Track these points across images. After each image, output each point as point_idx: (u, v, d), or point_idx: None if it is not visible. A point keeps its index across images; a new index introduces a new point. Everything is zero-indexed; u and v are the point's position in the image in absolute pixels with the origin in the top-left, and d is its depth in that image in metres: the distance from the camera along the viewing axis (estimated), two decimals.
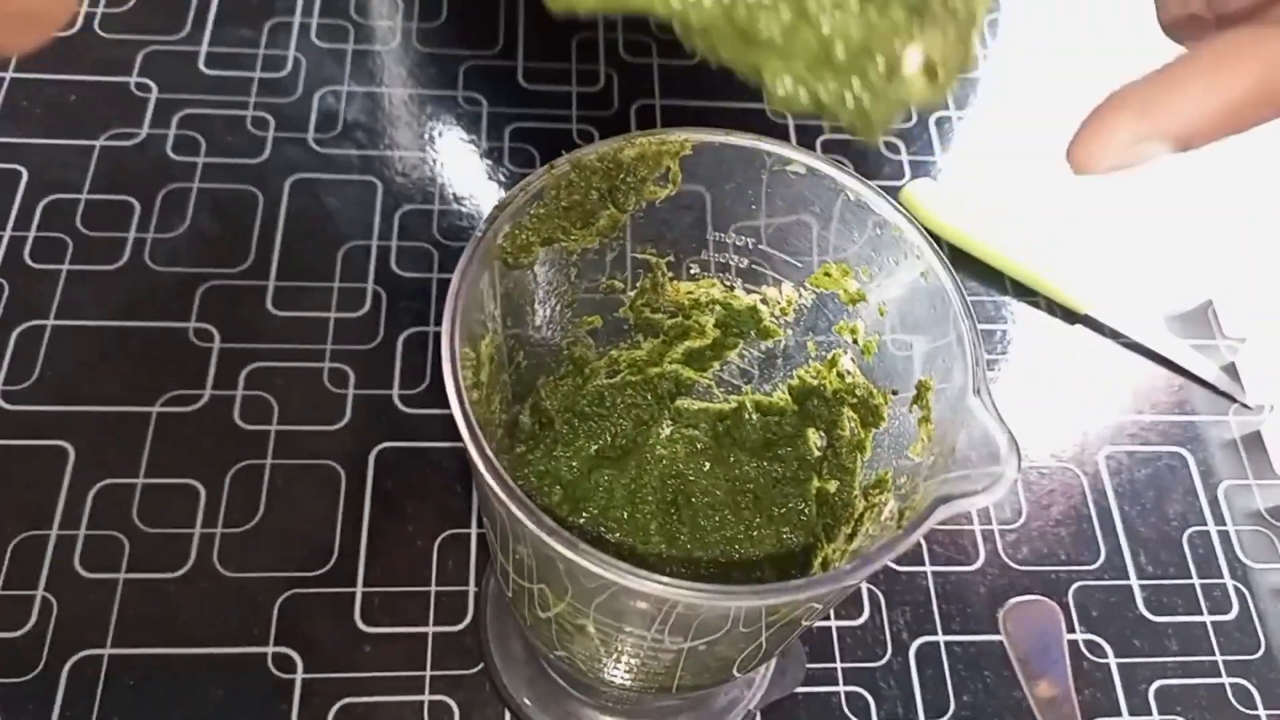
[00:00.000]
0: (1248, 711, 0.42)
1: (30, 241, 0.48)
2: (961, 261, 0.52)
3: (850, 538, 0.29)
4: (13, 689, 0.38)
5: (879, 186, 0.28)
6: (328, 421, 0.45)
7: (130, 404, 0.44)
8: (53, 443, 0.43)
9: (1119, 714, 0.41)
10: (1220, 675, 0.43)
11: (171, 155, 0.51)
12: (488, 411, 0.28)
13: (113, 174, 0.50)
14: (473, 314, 0.25)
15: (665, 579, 0.21)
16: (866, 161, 0.55)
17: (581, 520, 0.32)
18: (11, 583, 0.40)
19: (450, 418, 0.46)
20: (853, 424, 0.30)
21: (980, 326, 0.49)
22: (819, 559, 0.31)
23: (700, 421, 0.34)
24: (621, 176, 0.27)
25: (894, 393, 0.28)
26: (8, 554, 0.41)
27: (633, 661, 0.30)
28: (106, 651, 0.39)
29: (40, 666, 0.39)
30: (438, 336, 0.48)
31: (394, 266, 0.49)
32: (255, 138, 0.52)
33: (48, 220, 0.49)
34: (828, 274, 0.29)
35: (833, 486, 0.32)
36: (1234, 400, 0.50)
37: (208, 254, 0.49)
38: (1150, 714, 0.42)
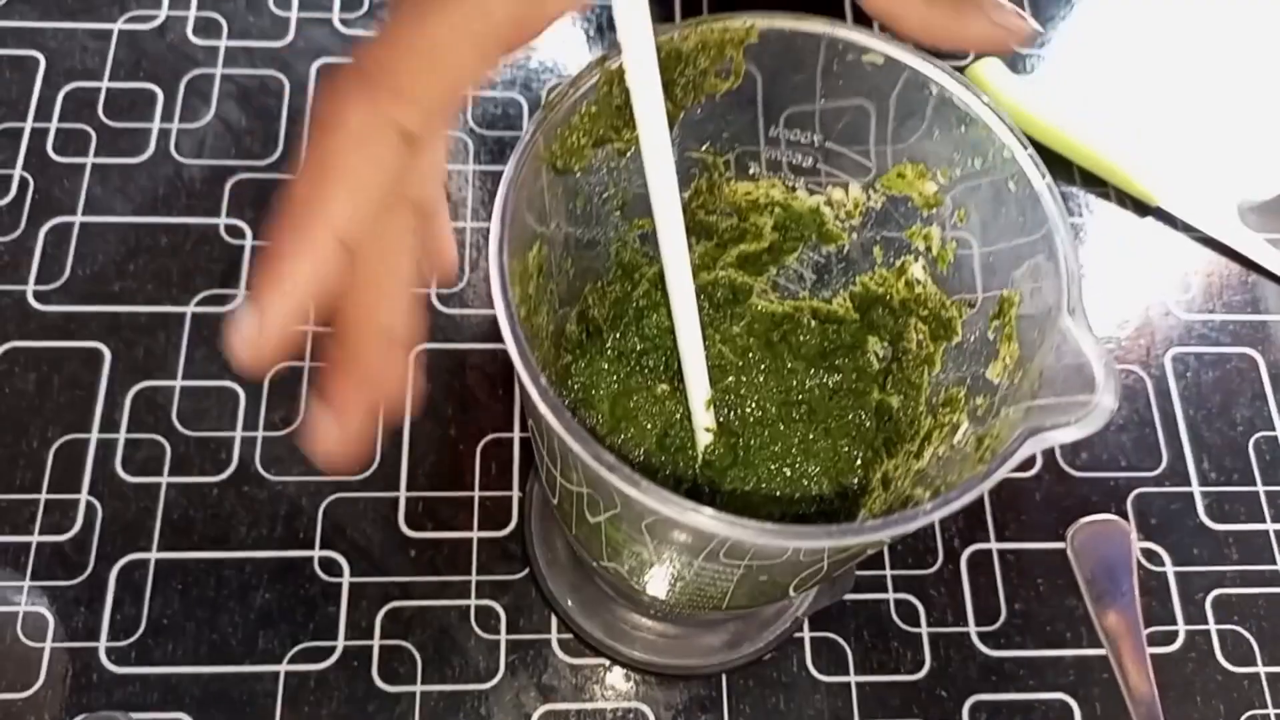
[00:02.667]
0: None
1: (53, 133, 0.46)
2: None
3: (915, 455, 0.28)
4: (63, 592, 0.38)
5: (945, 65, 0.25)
6: None
7: (164, 304, 0.43)
8: (88, 344, 0.42)
9: (1174, 622, 0.41)
10: None
11: (193, 39, 0.49)
12: (535, 325, 0.26)
13: (133, 60, 0.48)
14: (520, 224, 0.23)
15: (727, 517, 0.20)
16: None
17: (626, 436, 0.31)
18: (55, 486, 0.40)
19: (490, 319, 0.44)
20: (921, 336, 0.29)
21: None
22: (878, 474, 0.30)
23: (754, 327, 0.32)
24: (680, 69, 0.24)
25: (970, 306, 0.26)
26: (50, 458, 0.40)
27: (683, 580, 0.29)
28: (153, 555, 0.39)
29: (89, 570, 0.39)
30: (476, 232, 0.46)
31: None
32: (278, 19, 0.49)
33: (69, 111, 0.47)
34: (901, 175, 0.27)
35: (895, 401, 0.30)
36: None
37: (235, 145, 0.47)
38: (1206, 623, 0.41)
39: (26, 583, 0.39)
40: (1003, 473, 0.20)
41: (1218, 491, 0.43)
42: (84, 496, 0.40)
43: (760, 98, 0.26)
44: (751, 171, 0.28)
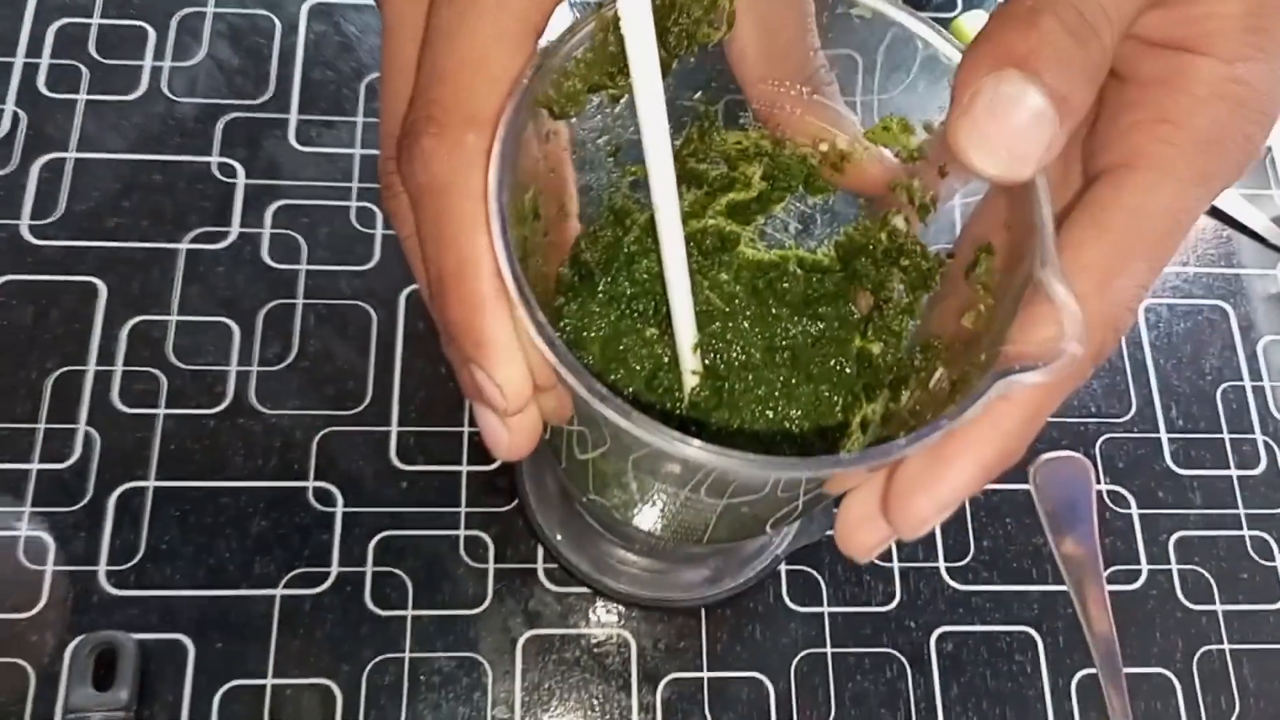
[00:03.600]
0: (1265, 563, 0.43)
1: (44, 69, 0.46)
2: None
3: (893, 399, 0.29)
4: (63, 518, 0.40)
5: (929, 18, 0.26)
6: (357, 262, 0.44)
7: (159, 240, 0.44)
8: (83, 279, 0.43)
9: (1138, 562, 0.42)
10: (1241, 528, 0.43)
11: None
12: (528, 267, 0.27)
13: None
14: (516, 168, 0.24)
15: (714, 448, 0.21)
16: None
17: (616, 377, 0.32)
18: (53, 416, 0.41)
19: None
20: (902, 286, 0.30)
21: None
22: (857, 418, 0.31)
23: (741, 274, 0.33)
24: (674, 17, 0.25)
25: (949, 256, 0.27)
26: (47, 388, 0.41)
27: (667, 513, 0.30)
28: (151, 484, 0.40)
29: (88, 497, 0.40)
30: None
31: None
32: None
33: (60, 47, 0.47)
34: (886, 128, 0.27)
35: (876, 348, 0.31)
36: None
37: (227, 85, 0.47)
38: (1168, 563, 0.43)
39: (27, 508, 0.40)
40: (974, 412, 0.21)
41: (1184, 438, 0.45)
42: (82, 427, 0.41)
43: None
44: (741, 121, 0.29)
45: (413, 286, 0.44)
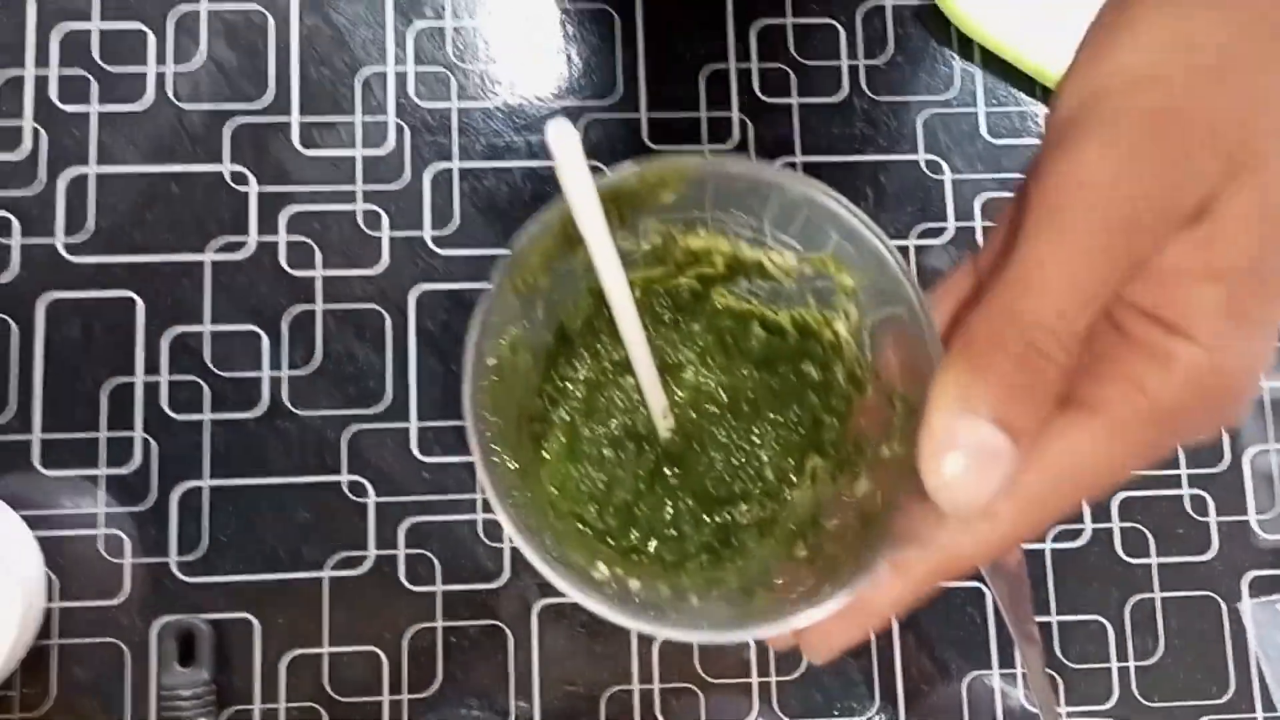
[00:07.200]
0: (1199, 519, 0.48)
1: (54, 81, 0.48)
2: (994, 66, 0.50)
3: (836, 469, 0.33)
4: (136, 515, 0.46)
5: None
6: (367, 265, 0.48)
7: (183, 252, 0.47)
8: (121, 293, 0.47)
9: (1082, 522, 0.47)
10: (1182, 488, 0.48)
11: None
12: (517, 362, 0.31)
13: None
14: (490, 341, 0.27)
15: (649, 626, 0.26)
16: None
17: (610, 430, 0.36)
18: (113, 424, 0.46)
19: (482, 259, 0.48)
20: (842, 379, 0.33)
21: (1007, 141, 0.49)
22: (809, 468, 0.35)
23: (713, 323, 0.37)
24: (623, 201, 0.27)
25: (877, 376, 0.31)
26: (104, 399, 0.46)
27: None
28: (206, 483, 0.46)
29: (153, 497, 0.46)
30: (464, 173, 0.49)
31: (413, 95, 0.49)
32: None
33: (67, 56, 0.48)
34: (824, 263, 0.30)
35: (825, 417, 0.35)
36: None
37: (229, 87, 0.49)
38: (1110, 521, 0.48)
39: (101, 510, 0.46)
40: (861, 584, 0.26)
41: None
42: (138, 434, 0.46)
43: (709, 199, 0.29)
44: (699, 233, 0.32)
45: (421, 287, 0.48)
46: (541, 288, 0.29)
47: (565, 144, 0.24)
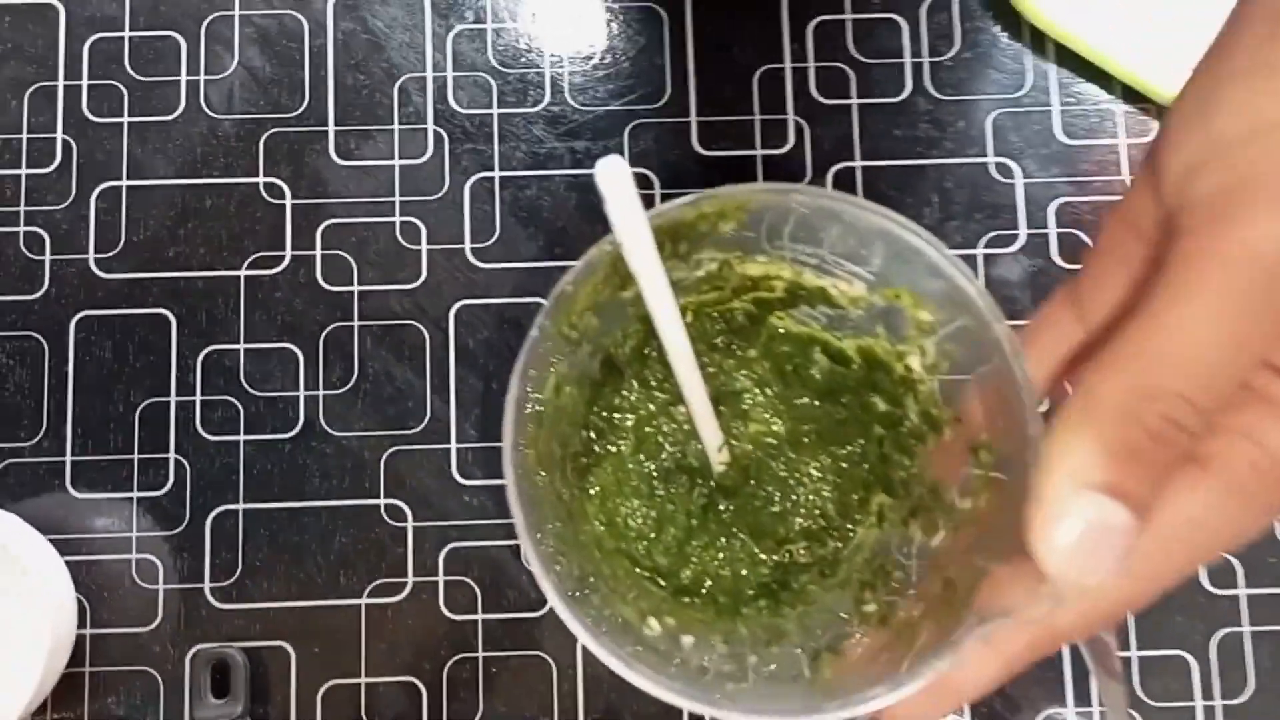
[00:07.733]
0: None
1: (85, 92, 0.47)
2: (1069, 61, 0.47)
3: (910, 513, 0.31)
4: (170, 539, 0.44)
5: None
6: (406, 280, 0.46)
7: (218, 268, 0.46)
8: (154, 311, 0.45)
9: None
10: None
11: None
12: (561, 397, 0.29)
13: (150, 4, 0.48)
14: (533, 391, 0.25)
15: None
16: None
17: (660, 462, 0.34)
18: (145, 447, 0.45)
19: (524, 272, 0.46)
20: (915, 417, 0.30)
21: (1084, 141, 0.46)
22: (874, 505, 0.33)
23: (770, 348, 0.34)
24: (680, 235, 0.25)
25: (957, 419, 0.28)
26: (136, 420, 0.45)
27: None
28: (240, 506, 0.44)
29: (186, 521, 0.44)
30: (505, 180, 0.47)
31: (452, 102, 0.47)
32: None
33: (97, 66, 0.47)
34: (899, 296, 0.28)
35: (894, 453, 0.32)
36: None
37: (263, 96, 0.47)
38: None
39: (134, 534, 0.44)
40: (950, 662, 0.23)
41: None
42: (172, 456, 0.45)
43: (764, 230, 0.27)
44: (758, 258, 0.30)
45: (461, 302, 0.46)
46: (588, 329, 0.26)
47: (617, 182, 0.22)
